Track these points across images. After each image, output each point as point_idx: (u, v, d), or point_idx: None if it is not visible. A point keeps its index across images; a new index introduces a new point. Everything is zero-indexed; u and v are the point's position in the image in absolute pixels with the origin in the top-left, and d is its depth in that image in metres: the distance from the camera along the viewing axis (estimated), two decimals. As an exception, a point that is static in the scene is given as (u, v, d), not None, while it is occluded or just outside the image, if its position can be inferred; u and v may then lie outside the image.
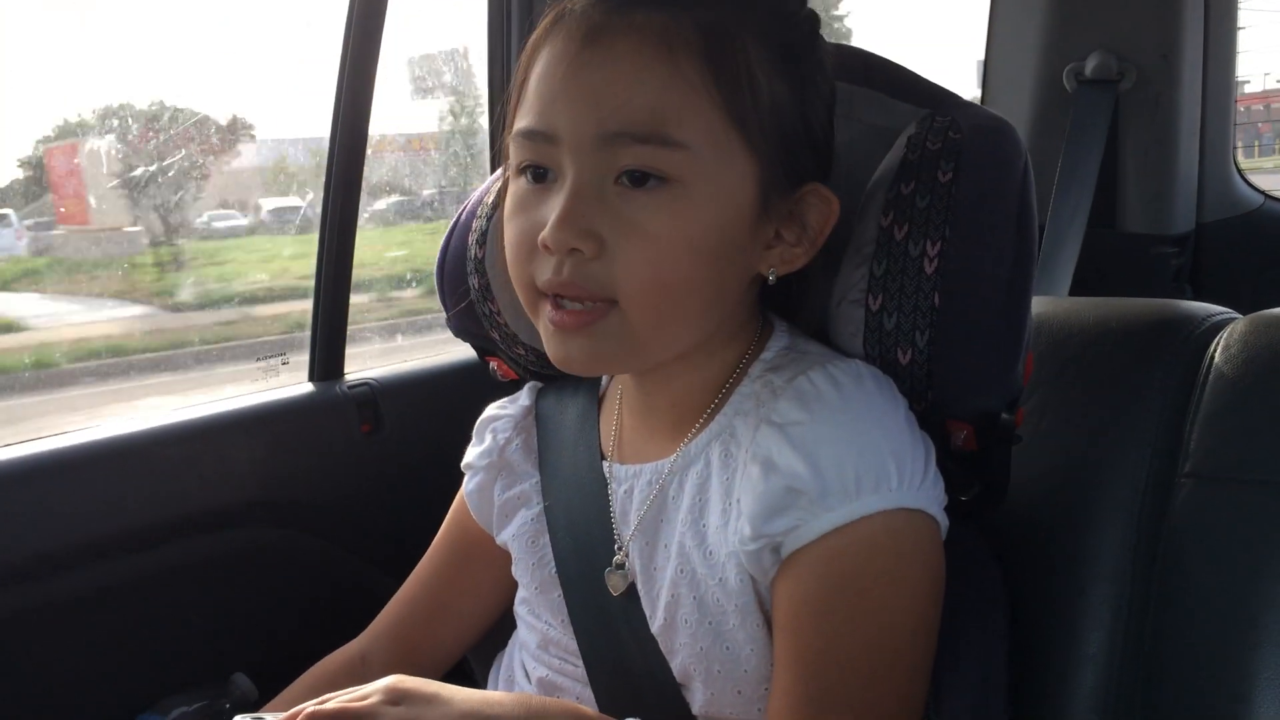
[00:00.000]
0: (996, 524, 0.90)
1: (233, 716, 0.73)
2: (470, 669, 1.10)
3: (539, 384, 1.00)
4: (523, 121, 0.75)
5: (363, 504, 1.43)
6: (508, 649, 0.99)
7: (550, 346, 0.77)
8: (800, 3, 0.80)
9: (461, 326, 1.03)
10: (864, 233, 0.80)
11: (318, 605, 1.38)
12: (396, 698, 0.66)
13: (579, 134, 0.72)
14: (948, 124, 0.80)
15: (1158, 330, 0.92)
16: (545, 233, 0.72)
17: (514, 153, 0.77)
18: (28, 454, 1.22)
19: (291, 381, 1.48)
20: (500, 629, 1.03)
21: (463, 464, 0.99)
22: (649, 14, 0.72)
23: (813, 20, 0.80)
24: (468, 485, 0.98)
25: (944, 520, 0.75)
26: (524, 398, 0.99)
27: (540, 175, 0.75)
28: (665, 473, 0.82)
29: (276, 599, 1.37)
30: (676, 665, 0.80)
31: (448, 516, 1.03)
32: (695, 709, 0.80)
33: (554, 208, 0.72)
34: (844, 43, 0.99)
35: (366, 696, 0.67)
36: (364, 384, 1.47)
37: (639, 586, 0.82)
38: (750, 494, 0.74)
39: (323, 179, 1.43)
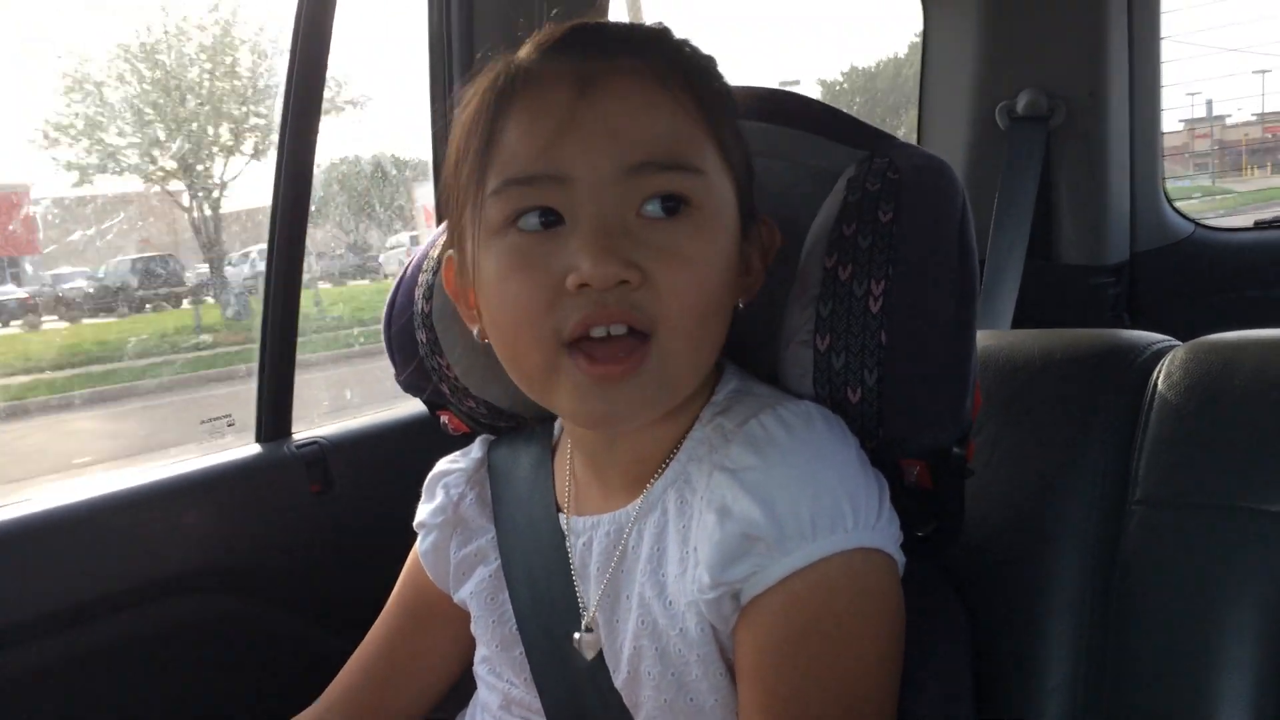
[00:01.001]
0: (955, 558, 0.91)
1: None
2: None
3: (491, 436, 0.99)
4: (513, 170, 0.73)
5: (315, 566, 1.40)
6: (469, 709, 0.97)
7: (583, 403, 0.74)
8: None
9: (410, 381, 1.02)
10: (809, 274, 0.81)
11: (273, 672, 1.34)
12: None
13: (596, 170, 0.72)
14: (886, 165, 0.82)
15: (1101, 360, 0.94)
16: (586, 271, 0.70)
17: (500, 206, 0.74)
18: None
19: (238, 443, 1.45)
20: (461, 690, 1.01)
21: (415, 523, 0.97)
22: (633, 60, 0.74)
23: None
24: (422, 544, 0.96)
25: (900, 557, 0.75)
26: (476, 450, 0.98)
27: (548, 221, 0.73)
28: (624, 522, 0.81)
29: (232, 668, 1.33)
30: (641, 718, 0.79)
31: (401, 577, 1.01)
32: None
33: (575, 250, 0.71)
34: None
35: None
36: (313, 442, 1.44)
37: (602, 640, 0.81)
38: (707, 542, 0.73)
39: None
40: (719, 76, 0.80)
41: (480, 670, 0.92)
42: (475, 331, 0.83)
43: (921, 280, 0.78)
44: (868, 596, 0.72)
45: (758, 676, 0.71)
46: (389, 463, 1.09)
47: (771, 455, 0.72)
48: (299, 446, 1.44)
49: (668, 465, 0.80)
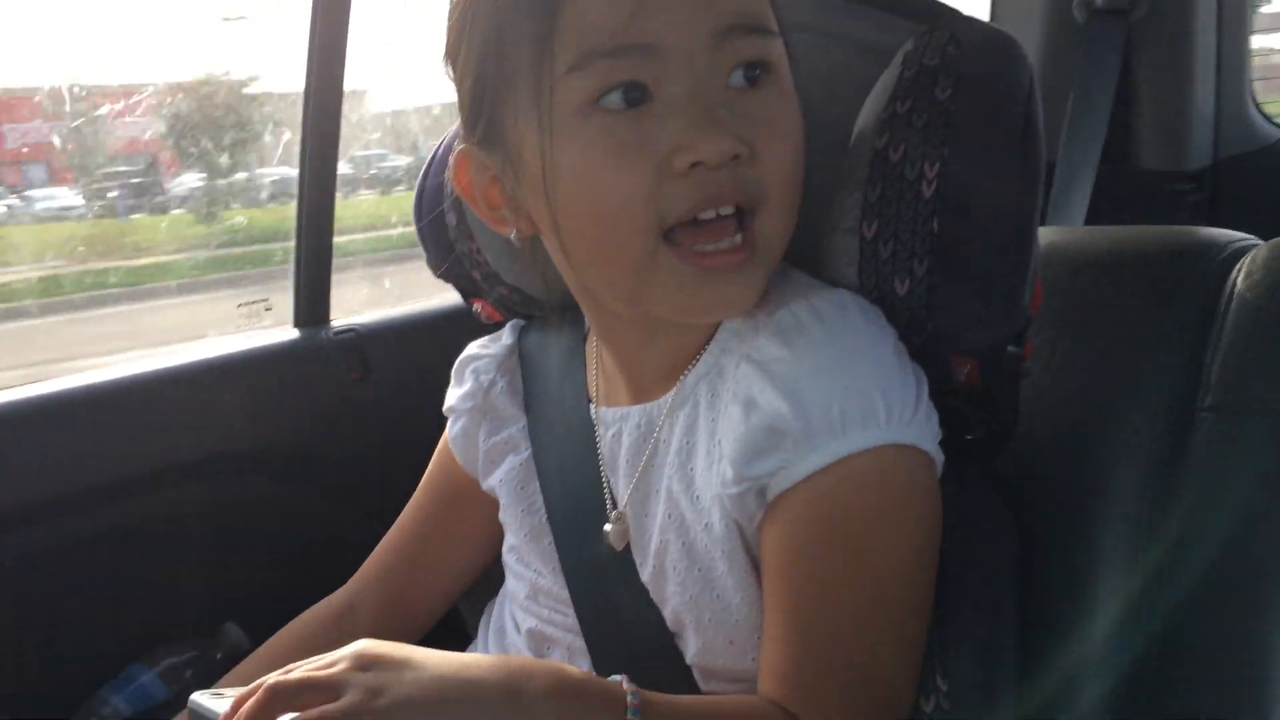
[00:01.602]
0: (1004, 465, 0.86)
1: (223, 667, 0.68)
2: (462, 619, 1.07)
3: (521, 322, 0.96)
4: (594, 42, 0.66)
5: (350, 451, 1.40)
6: (497, 600, 0.95)
7: (687, 295, 0.70)
8: None
9: (443, 268, 0.98)
10: (857, 156, 0.75)
11: (307, 554, 1.34)
12: (366, 664, 0.61)
13: (690, 37, 0.65)
14: (947, 39, 0.75)
15: (1175, 258, 0.87)
16: (700, 149, 0.65)
17: (580, 84, 0.66)
18: (11, 400, 1.19)
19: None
20: (491, 578, 1.00)
21: (445, 407, 0.95)
22: None
23: None
24: (451, 429, 0.94)
25: (939, 456, 0.71)
26: (506, 336, 0.95)
27: (633, 99, 0.66)
28: (655, 415, 0.78)
29: (266, 548, 1.35)
30: (668, 614, 0.76)
31: (432, 461, 0.99)
32: (688, 658, 0.76)
33: (679, 127, 0.65)
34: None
35: (334, 664, 0.61)
36: (350, 330, 1.43)
37: (630, 534, 0.78)
38: (731, 435, 0.70)
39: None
40: None
41: (509, 559, 0.90)
42: (512, 236, 0.77)
43: (980, 163, 0.71)
44: (900, 495, 0.68)
45: (783, 575, 0.68)
46: (426, 352, 1.07)
47: (801, 346, 0.68)
48: (336, 333, 1.43)
49: (701, 357, 0.76)
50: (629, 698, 0.63)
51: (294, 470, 1.37)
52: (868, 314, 0.71)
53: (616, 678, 0.65)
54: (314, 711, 0.58)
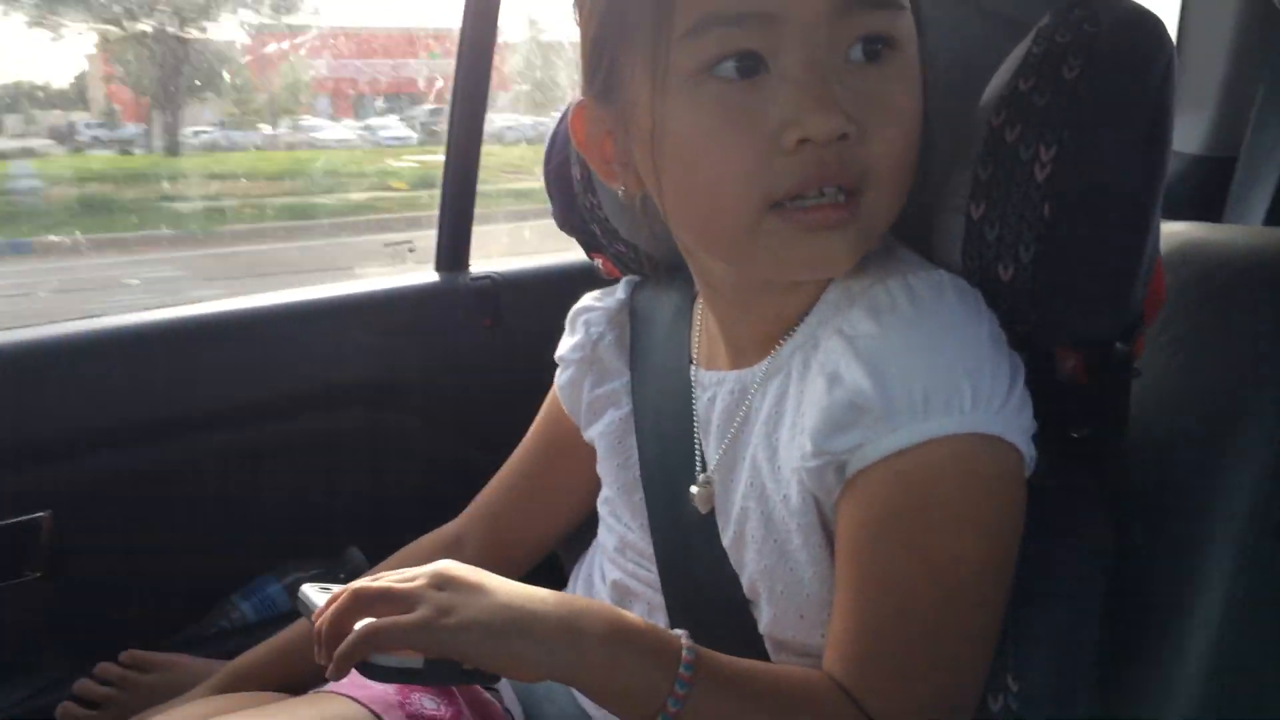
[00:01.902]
0: (1112, 465, 0.83)
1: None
2: (560, 563, 1.10)
3: (636, 278, 0.97)
4: (714, 6, 0.65)
5: (477, 391, 1.45)
6: (589, 550, 0.98)
7: (788, 251, 0.68)
8: None
9: (567, 221, 1.01)
10: (974, 133, 0.73)
11: (430, 485, 1.40)
12: (442, 583, 0.65)
13: (811, 6, 0.64)
14: (1085, 16, 0.71)
15: None
16: (809, 125, 0.64)
17: (696, 50, 0.66)
18: (169, 317, 1.28)
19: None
20: (589, 526, 1.03)
21: (556, 355, 0.97)
22: None
23: None
24: (560, 378, 0.97)
25: (1029, 450, 0.68)
26: (620, 290, 0.96)
27: (746, 68, 0.65)
28: (749, 382, 0.78)
29: (393, 477, 1.41)
30: (745, 581, 0.77)
31: (542, 407, 1.02)
32: (761, 627, 0.77)
33: (791, 101, 0.64)
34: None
35: (414, 579, 0.66)
36: (486, 277, 1.48)
37: (715, 499, 0.79)
38: (814, 408, 0.69)
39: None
40: None
41: (602, 510, 0.93)
42: (619, 191, 0.77)
43: (1101, 149, 0.68)
44: (979, 486, 0.66)
45: (854, 552, 0.68)
46: (555, 304, 1.10)
47: (891, 323, 0.67)
48: (473, 279, 1.47)
49: (798, 327, 0.75)
50: (684, 652, 0.65)
51: (423, 405, 1.43)
52: (965, 297, 0.68)
53: (679, 632, 0.67)
54: (386, 621, 0.63)
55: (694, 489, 0.81)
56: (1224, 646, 0.76)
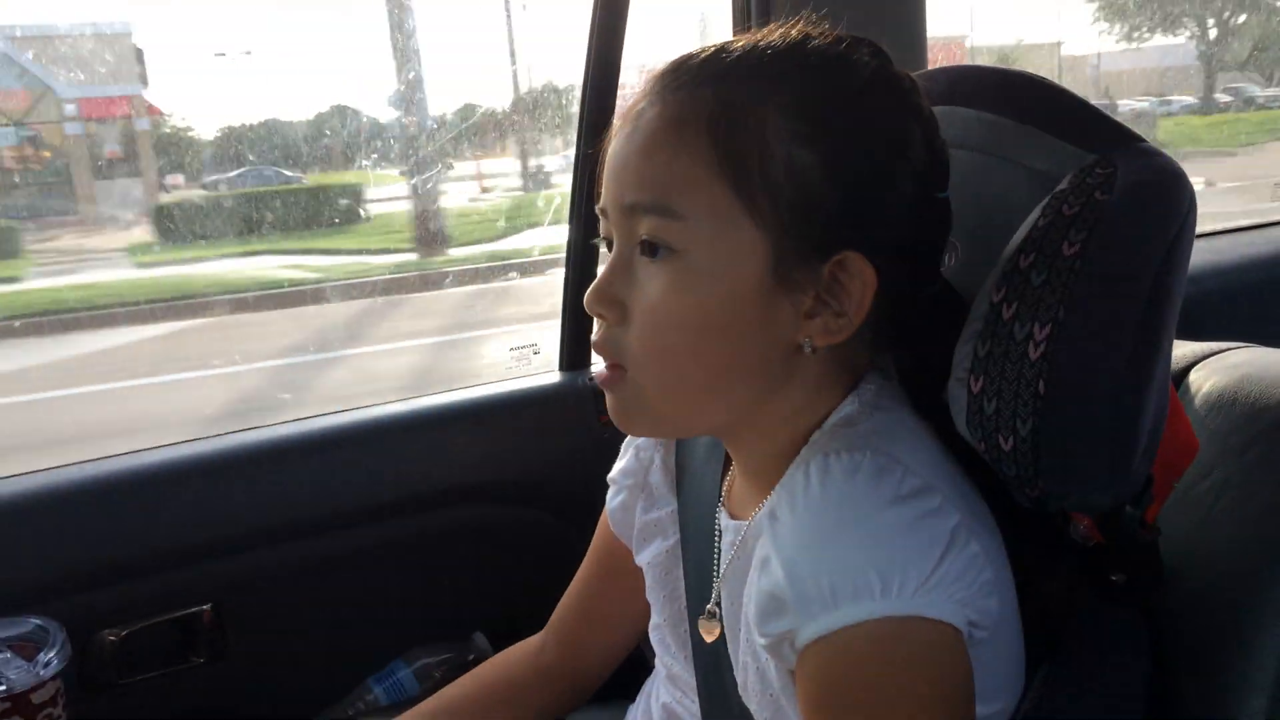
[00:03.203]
0: (1160, 609, 0.82)
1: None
2: (648, 662, 1.15)
3: None
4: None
5: (596, 487, 1.52)
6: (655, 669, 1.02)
7: None
8: (848, 62, 0.74)
9: None
10: (977, 307, 0.74)
11: (550, 577, 1.50)
12: None
13: (613, 206, 0.75)
14: (1100, 181, 0.72)
15: None
16: (585, 301, 0.76)
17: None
18: (315, 428, 1.43)
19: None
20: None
21: (609, 477, 1.02)
22: (676, 93, 0.73)
23: (871, 78, 0.74)
24: (611, 501, 1.01)
25: (961, 622, 0.67)
26: None
27: (610, 246, 0.78)
28: (743, 535, 0.81)
29: (514, 568, 1.51)
30: None
31: (598, 527, 1.06)
32: None
33: None
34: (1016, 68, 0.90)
35: None
36: None
37: (727, 642, 0.83)
38: (752, 592, 0.73)
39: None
40: (810, 108, 0.71)
41: (652, 635, 0.97)
42: None
43: (1095, 326, 0.69)
44: (904, 666, 0.66)
45: None
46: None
47: (802, 510, 0.69)
48: (592, 379, 1.56)
49: (773, 493, 0.77)
50: None
51: (541, 500, 1.52)
52: (880, 479, 0.68)
53: None
54: None
55: (700, 619, 0.85)
56: None
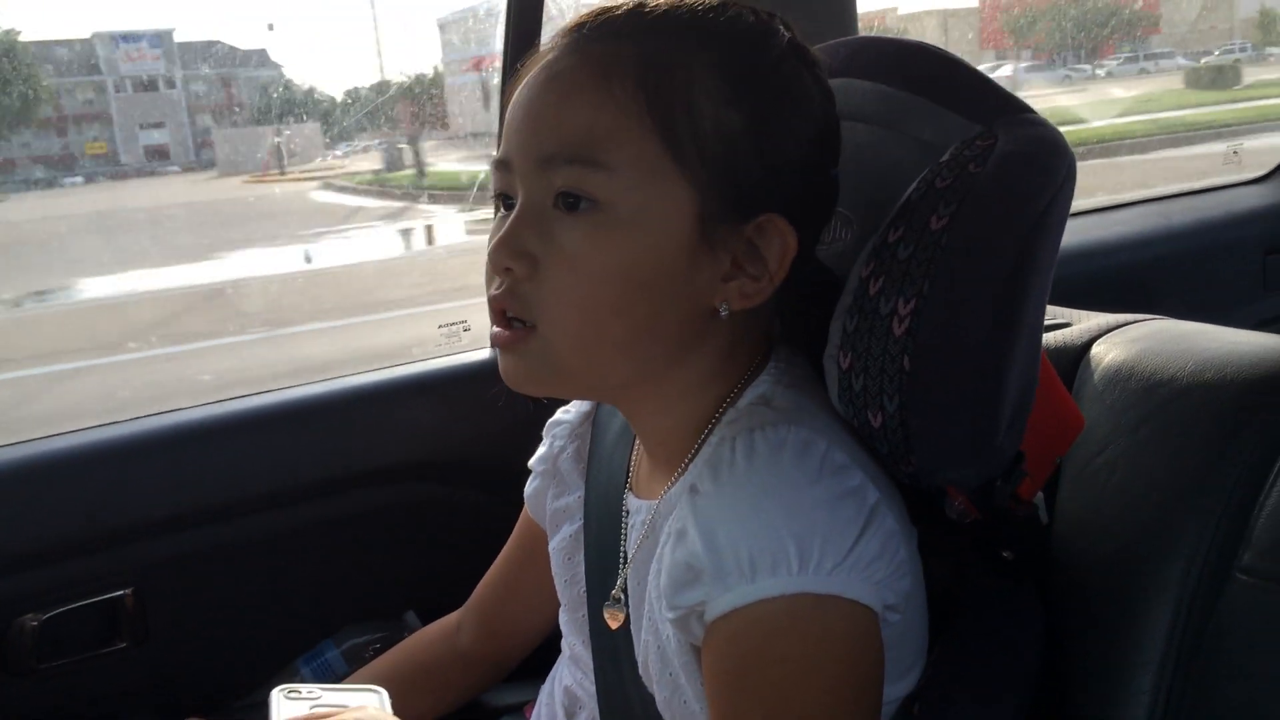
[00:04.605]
0: (1053, 582, 0.82)
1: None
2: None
3: None
4: (499, 152, 0.77)
5: (522, 466, 1.52)
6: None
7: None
8: (768, 30, 0.74)
9: None
10: (851, 280, 0.74)
11: (480, 554, 1.49)
12: None
13: (524, 158, 0.73)
14: (977, 153, 0.71)
15: (1262, 376, 0.78)
16: (488, 259, 0.73)
17: (494, 187, 0.78)
18: (238, 408, 1.41)
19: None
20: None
21: (529, 463, 1.02)
22: (596, 45, 0.72)
23: (788, 47, 0.74)
24: (528, 487, 1.01)
25: (877, 605, 0.68)
26: (586, 403, 1.00)
27: (508, 204, 0.75)
28: (651, 515, 0.81)
29: (446, 547, 1.49)
30: (659, 704, 0.80)
31: (523, 511, 1.07)
32: None
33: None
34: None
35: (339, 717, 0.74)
36: None
37: (630, 624, 0.83)
38: (665, 563, 0.72)
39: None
40: (733, 68, 0.72)
41: (561, 618, 0.97)
42: None
43: (958, 300, 0.69)
44: (817, 643, 0.67)
45: (713, 698, 0.70)
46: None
47: (725, 484, 0.69)
48: (522, 356, 1.54)
49: (688, 464, 0.78)
50: None
51: (473, 478, 1.51)
52: (804, 455, 0.69)
53: None
54: None
55: (605, 607, 0.85)
56: None
